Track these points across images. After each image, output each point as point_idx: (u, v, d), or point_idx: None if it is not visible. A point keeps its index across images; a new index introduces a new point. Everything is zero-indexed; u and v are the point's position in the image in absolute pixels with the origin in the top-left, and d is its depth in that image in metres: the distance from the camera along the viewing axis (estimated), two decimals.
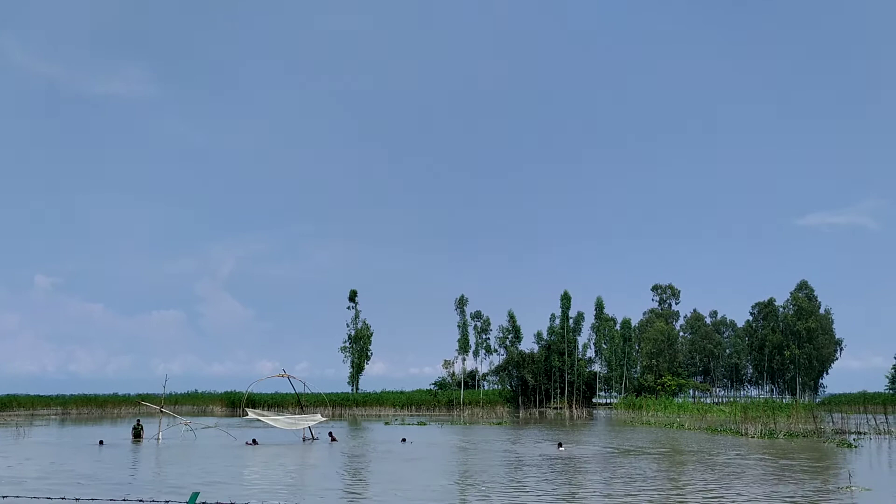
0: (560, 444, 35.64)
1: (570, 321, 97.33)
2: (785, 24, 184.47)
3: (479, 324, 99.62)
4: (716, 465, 27.61)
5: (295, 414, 51.79)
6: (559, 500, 19.51)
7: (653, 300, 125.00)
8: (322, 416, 46.53)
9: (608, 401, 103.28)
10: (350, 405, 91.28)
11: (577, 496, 20.24)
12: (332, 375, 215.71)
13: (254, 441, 40.08)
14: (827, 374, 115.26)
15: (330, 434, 42.59)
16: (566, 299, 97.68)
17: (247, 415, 47.29)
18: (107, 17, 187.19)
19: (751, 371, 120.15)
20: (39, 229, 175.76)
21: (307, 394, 59.43)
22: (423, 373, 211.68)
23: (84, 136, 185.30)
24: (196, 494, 5.60)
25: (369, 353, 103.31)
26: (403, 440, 41.36)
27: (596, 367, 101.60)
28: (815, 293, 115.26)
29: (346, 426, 60.81)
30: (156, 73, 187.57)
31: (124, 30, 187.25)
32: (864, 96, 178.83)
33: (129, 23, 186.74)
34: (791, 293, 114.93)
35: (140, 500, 10.82)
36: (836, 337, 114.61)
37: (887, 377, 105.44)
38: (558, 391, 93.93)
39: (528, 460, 30.13)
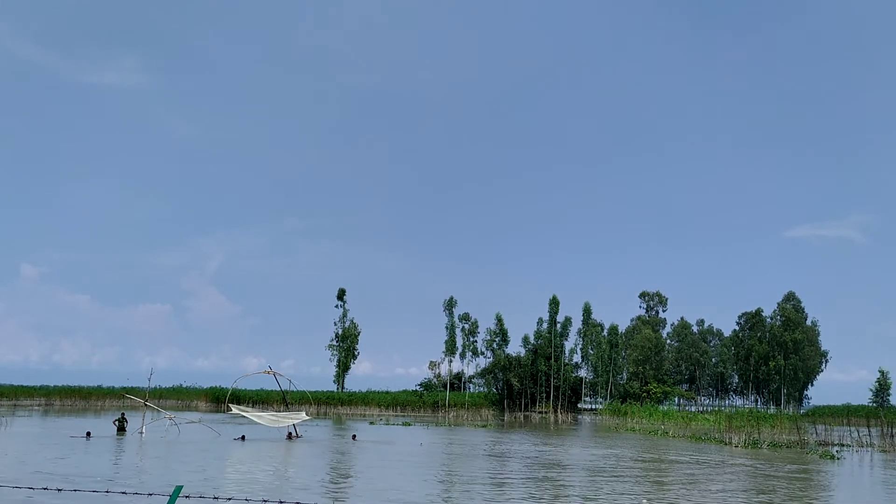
0: (354, 436, 41.94)
1: (558, 326, 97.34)
2: (779, 39, 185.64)
3: (466, 326, 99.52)
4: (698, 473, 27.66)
5: (279, 411, 51.57)
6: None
7: (640, 307, 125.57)
8: (307, 414, 46.35)
9: (593, 406, 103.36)
10: (335, 404, 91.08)
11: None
12: (318, 373, 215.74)
13: (242, 437, 40.09)
14: (812, 385, 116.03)
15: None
16: (554, 304, 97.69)
17: (230, 410, 47.01)
18: (101, 5, 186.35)
19: (736, 380, 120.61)
20: (27, 218, 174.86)
21: (292, 391, 59.23)
22: (408, 373, 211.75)
23: (74, 126, 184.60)
24: (179, 488, 5.54)
25: (356, 353, 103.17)
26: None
27: (582, 373, 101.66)
28: (803, 305, 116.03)
29: (330, 425, 60.72)
30: (149, 63, 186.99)
31: (118, 19, 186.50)
32: (857, 111, 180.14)
33: (123, 12, 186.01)
34: (778, 304, 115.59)
35: (123, 493, 10.82)
36: (822, 349, 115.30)
37: (871, 390, 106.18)
38: (544, 395, 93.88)
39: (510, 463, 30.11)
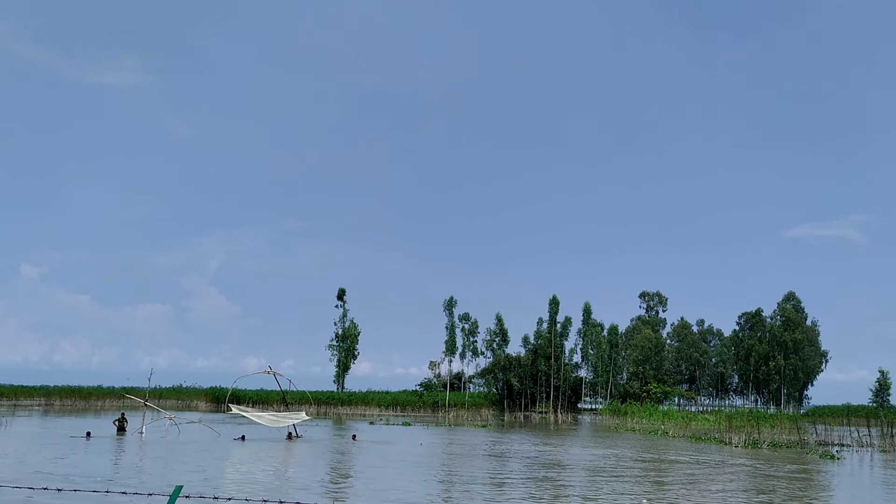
0: (354, 436, 42.43)
1: (558, 326, 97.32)
2: (779, 39, 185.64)
3: (466, 326, 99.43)
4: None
5: (279, 411, 51.57)
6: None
7: (640, 307, 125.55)
8: (307, 414, 46.35)
9: (593, 406, 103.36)
10: (335, 404, 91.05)
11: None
12: (318, 374, 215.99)
13: (242, 437, 40.13)
14: (812, 385, 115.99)
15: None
16: (554, 304, 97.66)
17: (230, 410, 46.97)
18: (101, 5, 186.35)
19: (736, 380, 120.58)
20: (27, 218, 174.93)
21: (292, 391, 59.22)
22: (409, 373, 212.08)
23: (74, 126, 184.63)
24: (179, 488, 5.53)
25: (356, 353, 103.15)
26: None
27: (582, 373, 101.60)
28: (803, 305, 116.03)
29: (330, 425, 60.71)
30: (149, 63, 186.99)
31: (118, 19, 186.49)
32: (857, 111, 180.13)
33: (123, 12, 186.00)
34: (778, 304, 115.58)
35: (123, 493, 10.80)
36: (822, 349, 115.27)
37: (871, 390, 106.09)
38: (544, 395, 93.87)
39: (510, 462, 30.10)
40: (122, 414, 44.51)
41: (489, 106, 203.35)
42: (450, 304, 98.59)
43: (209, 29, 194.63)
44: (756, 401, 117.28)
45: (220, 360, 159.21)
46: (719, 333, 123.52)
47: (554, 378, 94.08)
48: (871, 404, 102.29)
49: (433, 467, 28.90)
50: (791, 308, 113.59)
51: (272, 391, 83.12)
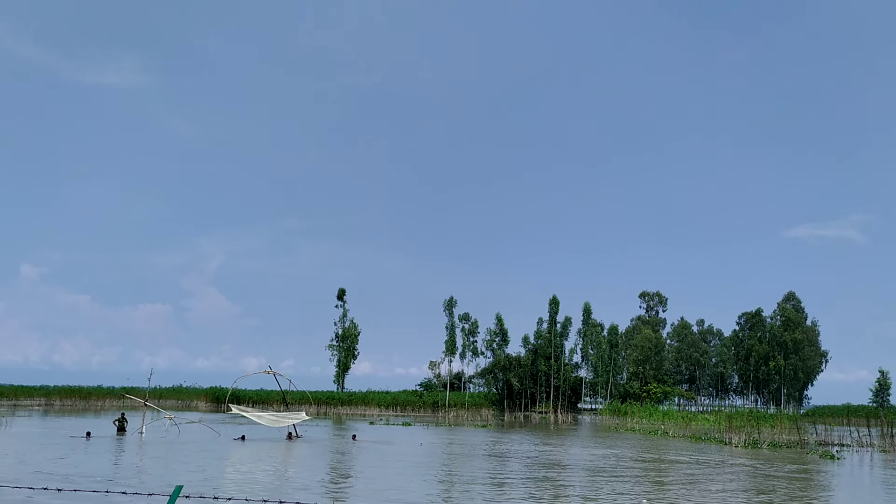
0: (354, 436, 42.60)
1: (558, 326, 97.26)
2: (779, 39, 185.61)
3: (466, 326, 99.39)
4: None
5: (279, 411, 51.54)
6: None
7: (640, 307, 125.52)
8: (307, 414, 46.33)
9: (593, 406, 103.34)
10: (335, 404, 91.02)
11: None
12: (318, 374, 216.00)
13: (242, 437, 40.14)
14: (812, 385, 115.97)
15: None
16: (554, 304, 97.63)
17: (230, 410, 46.94)
18: (101, 5, 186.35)
19: (736, 380, 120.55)
20: (27, 218, 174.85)
21: (292, 391, 59.23)
22: (409, 373, 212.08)
23: (74, 126, 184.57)
24: (179, 488, 5.53)
25: (356, 353, 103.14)
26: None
27: (582, 373, 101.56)
28: (803, 305, 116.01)
29: (330, 425, 60.70)
30: (149, 63, 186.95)
31: (118, 19, 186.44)
32: (857, 111, 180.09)
33: (123, 12, 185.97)
34: (778, 304, 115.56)
35: (123, 493, 10.79)
36: (822, 349, 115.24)
37: (871, 390, 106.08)
38: (544, 395, 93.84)
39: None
40: (122, 414, 44.50)
41: (489, 106, 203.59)
42: (450, 304, 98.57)
43: (209, 29, 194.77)
44: (756, 401, 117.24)
45: (220, 360, 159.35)
46: (719, 333, 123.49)
47: (554, 378, 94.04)
48: (871, 404, 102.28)
49: (433, 467, 28.88)
50: (791, 308, 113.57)
51: (272, 391, 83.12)
